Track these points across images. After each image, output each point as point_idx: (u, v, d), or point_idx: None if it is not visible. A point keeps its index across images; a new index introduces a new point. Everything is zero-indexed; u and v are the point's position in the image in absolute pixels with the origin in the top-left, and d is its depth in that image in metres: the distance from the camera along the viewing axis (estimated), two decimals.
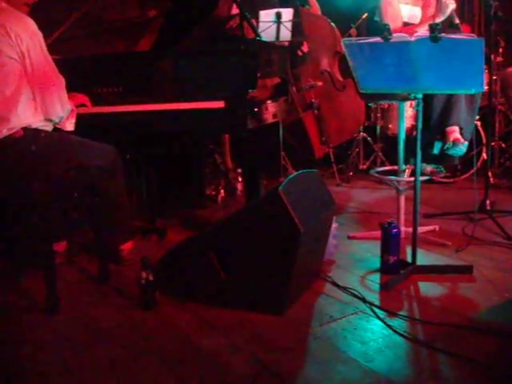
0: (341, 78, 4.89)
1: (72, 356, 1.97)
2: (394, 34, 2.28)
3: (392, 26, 2.71)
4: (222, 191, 4.07)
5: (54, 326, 2.21)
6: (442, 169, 3.15)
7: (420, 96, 2.46)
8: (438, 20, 3.15)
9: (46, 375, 1.85)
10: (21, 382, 1.83)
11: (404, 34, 2.30)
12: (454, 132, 2.99)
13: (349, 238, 3.17)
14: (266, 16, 3.94)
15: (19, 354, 2.00)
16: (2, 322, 2.27)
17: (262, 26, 3.86)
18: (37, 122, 2.36)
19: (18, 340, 2.10)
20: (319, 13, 5.00)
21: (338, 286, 2.47)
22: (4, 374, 1.87)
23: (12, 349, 2.04)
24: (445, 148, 3.01)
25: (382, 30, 2.27)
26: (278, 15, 3.94)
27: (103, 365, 1.90)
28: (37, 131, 2.35)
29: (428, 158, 3.07)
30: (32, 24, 2.31)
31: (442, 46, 2.18)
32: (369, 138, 4.92)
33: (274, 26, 3.99)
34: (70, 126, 2.51)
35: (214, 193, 4.07)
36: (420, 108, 2.48)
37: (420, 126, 2.49)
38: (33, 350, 2.03)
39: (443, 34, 2.15)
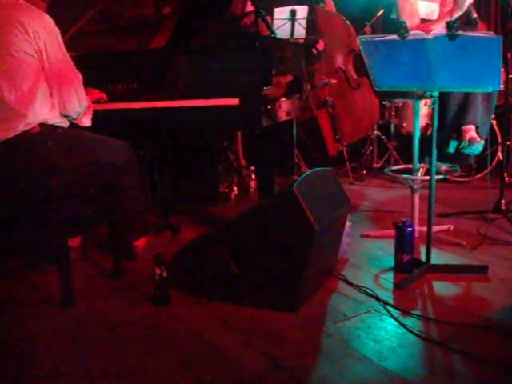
0: (355, 76, 4.87)
1: (86, 351, 1.98)
2: (411, 32, 2.26)
3: (409, 24, 2.69)
4: (235, 188, 4.08)
5: (69, 320, 2.23)
6: (457, 168, 3.13)
7: (436, 94, 2.45)
8: (456, 15, 3.13)
9: (59, 369, 1.87)
10: (34, 375, 1.85)
11: (421, 32, 2.29)
12: (470, 131, 2.97)
13: (362, 236, 3.16)
14: (281, 13, 3.93)
15: (33, 347, 2.02)
16: (17, 315, 2.28)
17: (276, 24, 3.85)
18: (54, 117, 2.37)
19: (32, 333, 2.12)
20: (334, 10, 4.99)
21: (351, 284, 2.47)
22: (18, 368, 1.89)
23: (26, 342, 2.05)
24: (460, 147, 2.99)
25: (399, 27, 2.25)
26: (293, 12, 3.93)
27: (117, 360, 1.91)
28: (53, 127, 2.36)
29: (443, 157, 3.05)
30: (49, 20, 2.32)
31: (459, 43, 2.16)
32: (383, 137, 4.90)
33: (289, 24, 3.98)
34: (86, 121, 2.52)
35: (227, 190, 4.08)
36: (436, 106, 2.46)
37: (436, 124, 2.47)
38: (47, 343, 2.05)
39: (460, 32, 2.14)
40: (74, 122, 2.48)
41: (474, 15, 3.35)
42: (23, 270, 2.75)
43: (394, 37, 2.28)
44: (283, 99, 3.08)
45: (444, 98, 2.88)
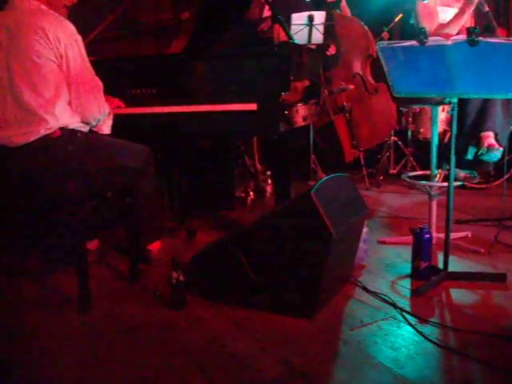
0: (373, 82, 4.86)
1: (102, 352, 1.99)
2: (430, 38, 2.25)
3: (428, 29, 2.68)
4: (251, 193, 4.08)
5: (86, 322, 2.25)
6: (476, 174, 3.10)
7: (455, 100, 2.43)
8: (469, 11, 3.13)
9: (76, 372, 1.88)
10: (51, 378, 1.86)
11: (440, 38, 2.28)
12: (489, 137, 2.94)
13: (379, 242, 3.14)
14: (299, 19, 3.94)
15: (50, 349, 2.03)
16: (35, 317, 2.30)
17: (294, 29, 3.86)
18: (74, 123, 2.39)
19: (49, 335, 2.14)
20: (349, 15, 4.95)
21: (368, 290, 2.46)
22: (34, 370, 1.90)
23: (43, 344, 2.06)
24: (479, 153, 2.96)
25: (418, 33, 2.25)
26: (311, 18, 3.93)
27: (133, 363, 1.92)
28: (73, 131, 2.38)
29: (461, 164, 3.03)
30: (71, 27, 2.34)
31: (479, 49, 2.15)
32: (400, 143, 4.87)
33: (306, 29, 3.98)
34: (106, 129, 2.54)
35: (243, 194, 4.07)
36: (455, 113, 2.44)
37: (454, 130, 2.46)
38: (64, 345, 2.06)
39: (481, 38, 2.12)
40: (94, 129, 2.50)
41: (485, 9, 3.32)
42: (41, 272, 2.77)
43: (413, 43, 2.28)
44: (299, 104, 3.08)
45: (463, 104, 2.86)
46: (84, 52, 2.40)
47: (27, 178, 2.36)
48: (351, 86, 4.63)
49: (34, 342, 2.09)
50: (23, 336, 2.15)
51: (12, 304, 2.45)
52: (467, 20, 3.27)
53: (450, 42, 2.21)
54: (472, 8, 3.18)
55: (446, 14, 3.38)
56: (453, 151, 2.47)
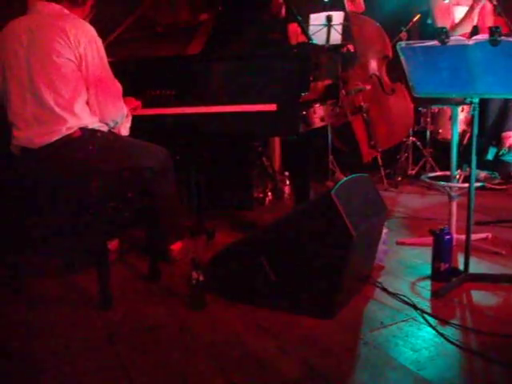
0: (389, 82, 4.83)
1: (124, 352, 2.01)
2: (452, 38, 2.24)
3: None
4: (270, 194, 4.09)
5: (107, 321, 2.27)
6: (496, 175, 3.08)
7: (476, 100, 2.41)
8: (478, 7, 3.14)
9: (97, 370, 1.90)
10: (72, 372, 1.88)
11: (461, 38, 2.27)
12: (510, 138, 2.92)
13: (398, 243, 3.12)
14: (317, 19, 3.94)
15: (72, 347, 2.05)
16: (56, 316, 2.33)
17: (312, 29, 3.86)
18: (94, 122, 2.42)
19: (70, 333, 2.16)
20: (363, 7, 4.90)
21: (388, 292, 2.44)
22: (56, 366, 1.92)
23: (65, 342, 2.09)
24: (500, 154, 2.94)
25: (439, 33, 2.23)
26: (329, 18, 3.94)
27: (153, 362, 1.93)
28: (93, 131, 2.40)
29: (481, 164, 3.01)
30: (92, 30, 2.37)
31: (501, 49, 2.13)
32: (418, 143, 4.84)
33: (325, 29, 3.98)
34: (124, 130, 2.57)
35: (261, 195, 4.08)
36: (476, 113, 2.42)
37: (476, 131, 2.44)
38: (85, 344, 2.08)
39: (503, 38, 2.10)
40: (112, 130, 2.52)
41: (493, 1, 3.31)
42: (63, 271, 2.80)
43: (435, 43, 2.26)
44: (317, 105, 3.07)
45: (483, 104, 2.84)
46: (104, 55, 2.42)
47: (49, 178, 2.38)
48: (368, 87, 4.61)
49: (54, 340, 2.11)
50: (44, 334, 2.17)
51: (34, 302, 2.47)
52: (489, 20, 3.26)
53: (471, 42, 2.20)
54: (480, 4, 3.19)
55: (457, 12, 3.38)
56: (474, 151, 2.45)
